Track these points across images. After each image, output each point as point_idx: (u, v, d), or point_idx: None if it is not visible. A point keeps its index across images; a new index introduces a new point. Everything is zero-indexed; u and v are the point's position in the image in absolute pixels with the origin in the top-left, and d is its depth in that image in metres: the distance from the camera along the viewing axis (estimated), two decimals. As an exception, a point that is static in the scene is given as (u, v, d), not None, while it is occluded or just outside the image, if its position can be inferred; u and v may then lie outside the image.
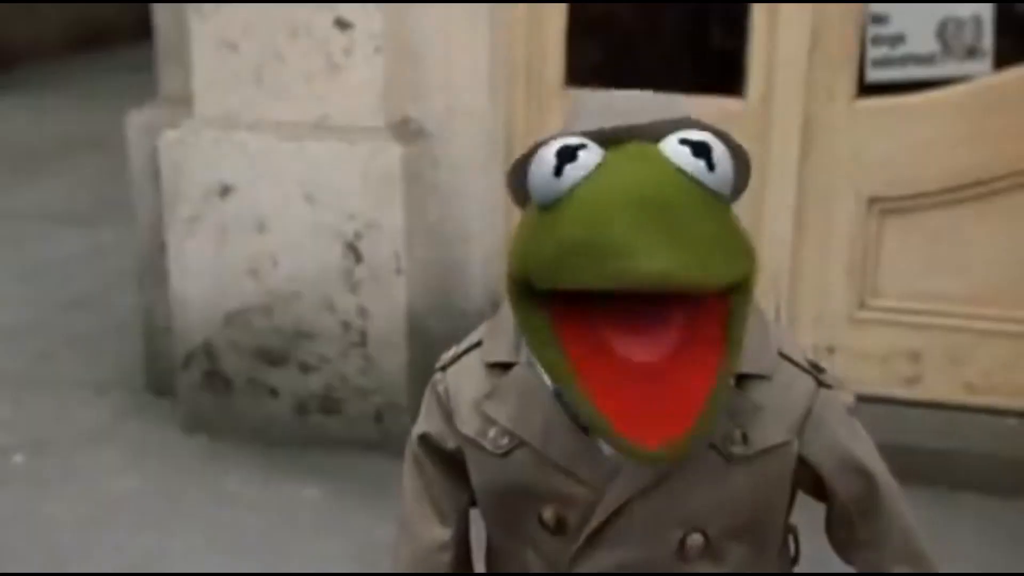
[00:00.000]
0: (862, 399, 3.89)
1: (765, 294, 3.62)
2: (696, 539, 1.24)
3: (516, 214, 3.82)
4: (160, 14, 3.82)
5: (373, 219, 3.40)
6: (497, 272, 3.69)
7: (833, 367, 3.66)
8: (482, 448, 1.29)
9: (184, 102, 3.56)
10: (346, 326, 3.48)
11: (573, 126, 1.15)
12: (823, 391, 1.29)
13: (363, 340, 3.48)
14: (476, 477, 1.33)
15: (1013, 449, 3.44)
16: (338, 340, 3.49)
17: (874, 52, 3.46)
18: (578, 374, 1.08)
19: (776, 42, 3.45)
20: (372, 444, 3.42)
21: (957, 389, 3.60)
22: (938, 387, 3.61)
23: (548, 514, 1.26)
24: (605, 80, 3.87)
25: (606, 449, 1.22)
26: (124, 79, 6.69)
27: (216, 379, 3.63)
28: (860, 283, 3.60)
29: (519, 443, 1.25)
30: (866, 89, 3.48)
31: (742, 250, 1.10)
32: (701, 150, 1.09)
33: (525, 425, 1.25)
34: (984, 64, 3.43)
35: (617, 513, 1.23)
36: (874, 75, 3.48)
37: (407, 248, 3.42)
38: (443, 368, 1.38)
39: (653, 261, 1.00)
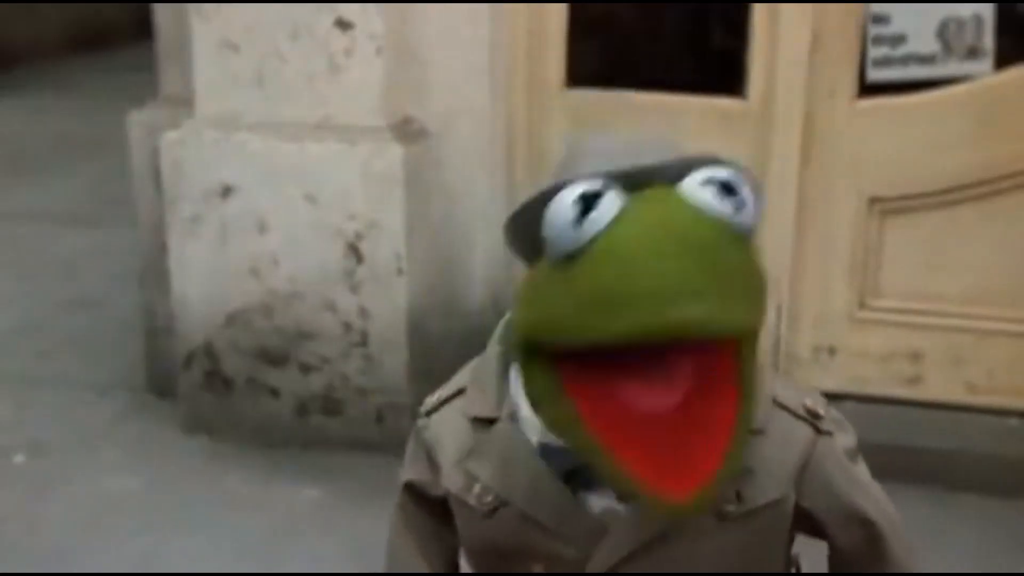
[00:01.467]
0: (863, 399, 3.91)
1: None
2: None
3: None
4: (161, 14, 3.82)
5: (374, 219, 3.40)
6: (499, 272, 3.69)
7: (834, 367, 3.66)
8: (467, 505, 1.26)
9: (185, 102, 3.56)
10: (347, 326, 3.47)
11: (572, 171, 1.08)
12: (822, 439, 1.25)
13: (364, 340, 3.48)
14: (462, 530, 1.30)
15: (1014, 449, 3.43)
16: (339, 340, 3.49)
17: (875, 52, 3.46)
18: (596, 434, 1.03)
19: (777, 42, 3.45)
20: (373, 444, 3.41)
21: (958, 389, 3.60)
22: (939, 387, 3.61)
23: (538, 569, 1.24)
24: (606, 80, 3.89)
25: (594, 507, 1.19)
26: (124, 79, 6.69)
27: (217, 379, 3.62)
28: (861, 283, 3.60)
29: (503, 502, 1.22)
30: (867, 89, 3.48)
31: (762, 289, 1.06)
32: (726, 190, 1.02)
33: (509, 484, 1.21)
34: (985, 64, 3.43)
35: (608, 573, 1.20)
36: (875, 75, 3.47)
37: (408, 248, 3.42)
38: (428, 413, 1.32)
39: (688, 309, 0.96)
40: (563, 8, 3.57)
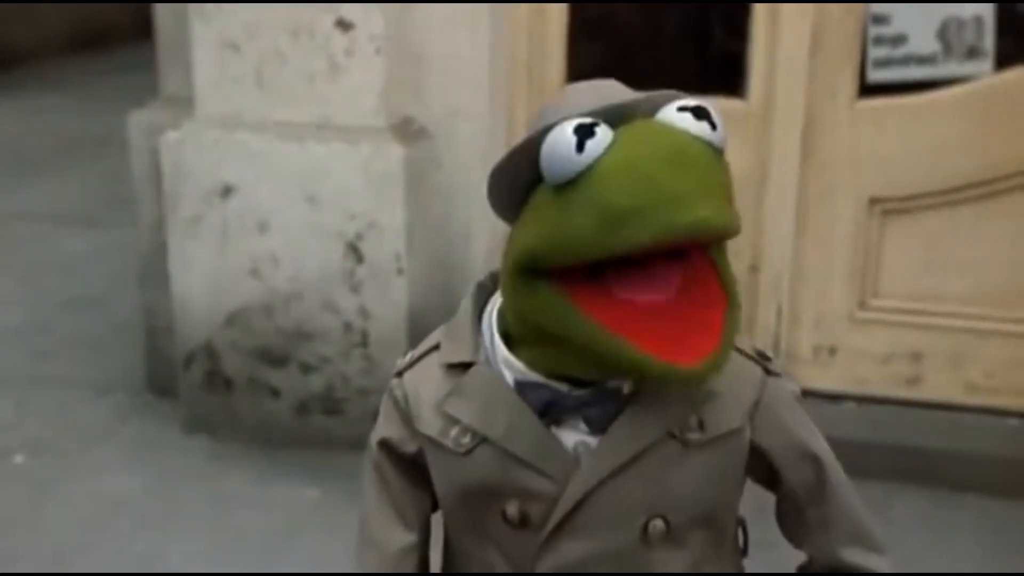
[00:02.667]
0: (863, 399, 3.91)
1: (766, 294, 3.62)
2: (658, 525, 1.27)
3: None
4: (161, 14, 3.82)
5: (374, 219, 3.40)
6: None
7: (835, 367, 3.66)
8: (444, 448, 1.30)
9: (186, 102, 3.56)
10: (347, 326, 3.48)
11: (552, 119, 1.19)
12: (771, 379, 1.33)
13: (364, 340, 3.48)
14: (438, 478, 1.34)
15: (1014, 449, 3.44)
16: (339, 340, 3.49)
17: (875, 52, 3.46)
18: (605, 326, 1.12)
19: (777, 43, 3.45)
20: (373, 444, 3.42)
21: (958, 389, 3.60)
22: (939, 387, 3.61)
23: (512, 510, 1.28)
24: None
25: (567, 441, 1.26)
26: (124, 79, 6.70)
27: (217, 379, 3.63)
28: (861, 283, 3.60)
29: (481, 440, 1.28)
30: (867, 89, 3.48)
31: (734, 199, 1.17)
32: (701, 113, 1.14)
33: (487, 422, 1.27)
34: (985, 64, 3.43)
35: (580, 504, 1.26)
36: (875, 75, 3.48)
37: (408, 248, 3.42)
38: (399, 374, 1.39)
39: (696, 211, 1.07)
40: (563, 8, 3.58)
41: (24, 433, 3.75)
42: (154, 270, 3.79)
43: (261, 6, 3.36)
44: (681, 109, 1.15)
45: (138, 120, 3.83)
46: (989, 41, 3.42)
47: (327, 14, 3.34)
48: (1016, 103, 3.40)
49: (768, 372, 1.32)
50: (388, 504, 1.39)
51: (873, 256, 3.59)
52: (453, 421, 1.29)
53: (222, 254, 3.51)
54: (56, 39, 10.33)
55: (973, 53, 3.42)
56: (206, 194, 3.49)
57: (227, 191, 3.47)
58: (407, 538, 1.39)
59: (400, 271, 3.42)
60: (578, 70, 3.64)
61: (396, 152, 3.37)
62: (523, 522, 1.28)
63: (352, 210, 3.41)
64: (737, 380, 1.29)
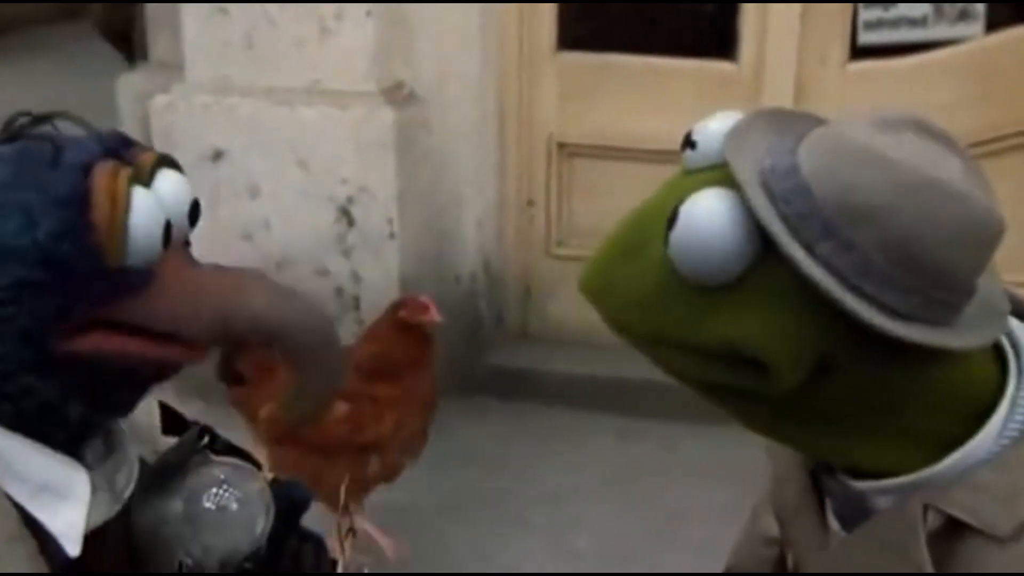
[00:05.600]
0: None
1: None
2: None
3: (508, 178, 3.78)
4: (150, -22, 3.80)
5: (365, 184, 3.40)
6: (489, 236, 3.69)
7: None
8: None
9: (175, 67, 3.55)
10: (339, 291, 3.48)
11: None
12: None
13: (356, 305, 3.48)
14: None
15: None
16: (331, 305, 3.49)
17: (866, 14, 3.45)
18: None
19: (768, 6, 3.44)
20: (365, 408, 3.42)
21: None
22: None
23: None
24: (598, 44, 3.86)
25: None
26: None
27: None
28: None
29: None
30: (858, 52, 3.48)
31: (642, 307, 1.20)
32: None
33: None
34: (976, 27, 3.43)
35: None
36: (866, 38, 3.47)
37: (400, 213, 3.42)
38: None
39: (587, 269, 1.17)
40: (554, -29, 3.57)
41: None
42: (145, 235, 3.78)
43: (250, -30, 3.34)
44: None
45: (127, 85, 3.81)
46: (979, 3, 3.41)
47: (317, -22, 3.32)
48: (1007, 65, 3.40)
49: None
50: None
51: (864, 219, 3.59)
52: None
53: (213, 219, 3.49)
54: (45, 5, 10.26)
55: (964, 15, 3.42)
56: (196, 159, 3.48)
57: (218, 156, 3.46)
58: (772, 528, 1.35)
59: (391, 235, 3.42)
60: (569, 34, 3.63)
61: (387, 116, 3.37)
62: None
63: (343, 175, 3.40)
64: None
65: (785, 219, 1.02)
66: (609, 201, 3.76)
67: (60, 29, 10.08)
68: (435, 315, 2.66)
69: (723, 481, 3.09)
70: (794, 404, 1.09)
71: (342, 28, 3.34)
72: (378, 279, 3.47)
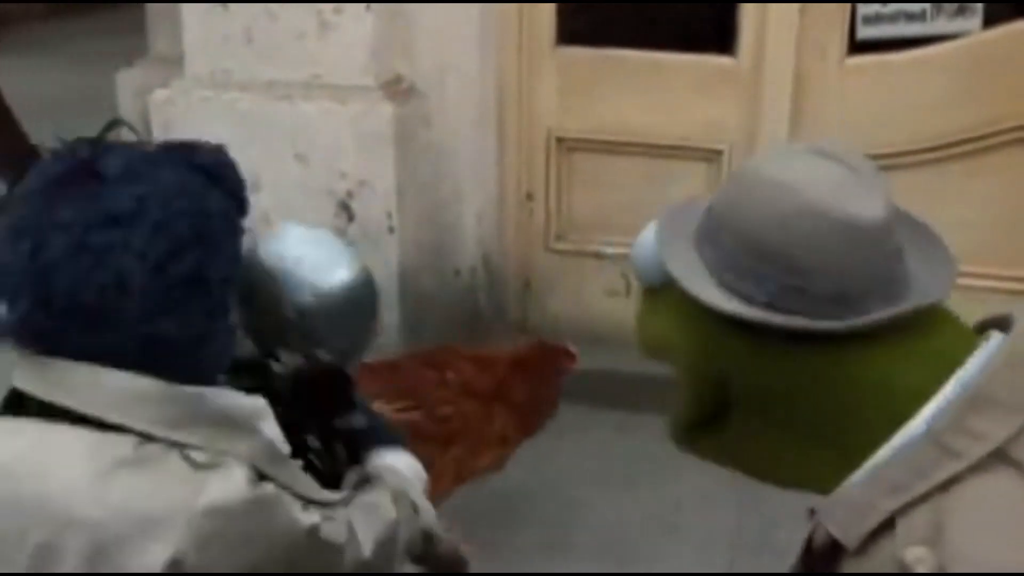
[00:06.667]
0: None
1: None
2: None
3: (508, 172, 3.79)
4: (150, -27, 3.81)
5: (365, 178, 3.40)
6: (489, 230, 3.69)
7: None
8: None
9: (175, 62, 3.55)
10: (338, 285, 3.48)
11: None
12: None
13: (355, 299, 3.49)
14: None
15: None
16: (330, 299, 3.49)
17: (865, 9, 3.46)
18: None
19: (768, 1, 3.44)
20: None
21: (946, 346, 3.62)
22: (927, 344, 3.62)
23: None
24: (597, 38, 3.86)
25: None
26: (114, 41, 6.65)
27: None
28: (850, 241, 3.61)
29: None
30: (857, 47, 3.48)
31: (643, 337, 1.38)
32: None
33: None
34: (974, 21, 3.43)
35: None
36: (865, 32, 3.47)
37: (399, 207, 3.42)
38: None
39: None
40: (553, -34, 3.57)
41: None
42: (145, 230, 3.78)
43: (250, -36, 3.35)
44: None
45: (126, 79, 3.82)
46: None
47: (316, -28, 3.32)
48: (1005, 59, 3.40)
49: None
50: None
51: (862, 213, 3.60)
52: None
53: (213, 213, 3.51)
54: (42, 1, 10.26)
55: (962, 10, 3.42)
56: (196, 153, 3.48)
57: (217, 150, 3.46)
58: None
59: (391, 229, 3.43)
60: (569, 27, 3.63)
61: (386, 110, 3.37)
62: None
63: (342, 169, 3.41)
64: None
65: (686, 237, 1.23)
66: (608, 195, 3.78)
67: (60, 24, 10.08)
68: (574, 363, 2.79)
69: (723, 474, 3.09)
70: (730, 427, 1.22)
71: (341, 22, 3.35)
72: (377, 273, 3.43)
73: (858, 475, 1.14)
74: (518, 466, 3.34)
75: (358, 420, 1.62)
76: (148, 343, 1.24)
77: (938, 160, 3.48)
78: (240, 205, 1.37)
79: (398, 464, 1.64)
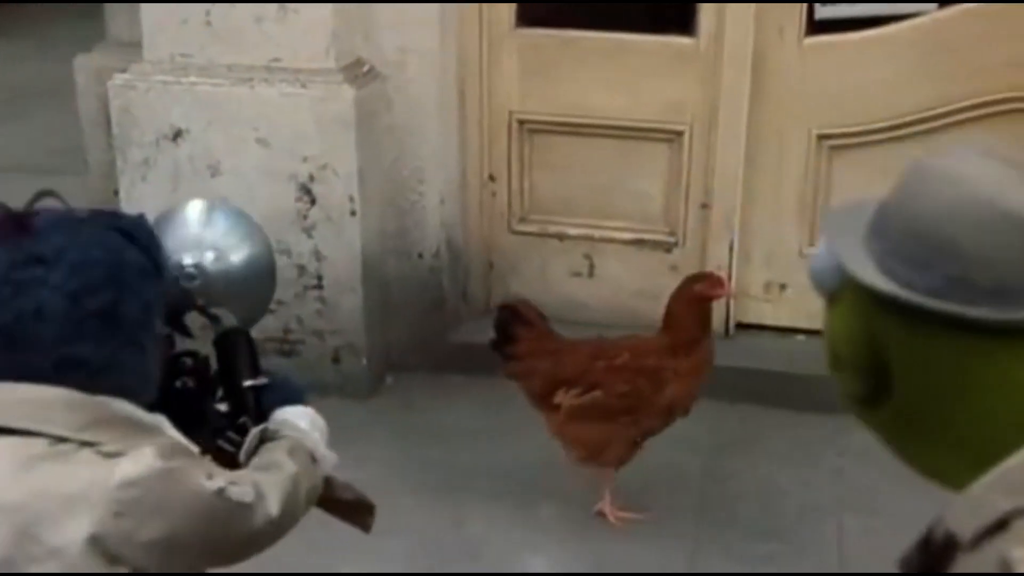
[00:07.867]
0: (814, 334, 3.93)
1: (718, 231, 3.65)
2: None
3: (470, 154, 3.80)
4: (107, -43, 3.78)
5: (326, 161, 3.40)
6: (452, 213, 3.69)
7: (786, 303, 3.69)
8: None
9: (133, 46, 3.53)
10: (301, 269, 3.48)
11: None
12: None
13: (319, 282, 3.49)
14: None
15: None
16: (294, 283, 3.49)
17: (823, -12, 3.48)
18: None
19: (726, -20, 3.46)
20: (330, 386, 3.41)
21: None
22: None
23: None
24: (556, 20, 3.86)
25: None
26: (75, 25, 6.60)
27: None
28: (811, 220, 3.64)
29: None
30: (815, 27, 3.51)
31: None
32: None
33: None
34: (930, 1, 3.46)
35: None
36: (823, 12, 3.50)
37: (361, 190, 3.42)
38: None
39: None
40: (513, -53, 3.57)
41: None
42: (106, 215, 3.76)
43: (208, -53, 3.33)
44: None
45: (85, 64, 3.79)
46: (934, -22, 3.45)
47: (275, -45, 3.31)
48: (961, 38, 3.43)
49: None
50: None
51: (823, 192, 3.62)
52: None
53: (174, 198, 3.49)
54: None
55: (919, -11, 3.45)
56: (156, 138, 3.47)
57: (177, 135, 3.45)
58: None
59: (353, 213, 3.43)
60: (528, 10, 3.64)
61: (347, 94, 3.37)
62: None
63: (304, 152, 3.40)
64: None
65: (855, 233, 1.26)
66: (570, 176, 3.79)
67: (17, 10, 9.97)
68: (729, 290, 3.13)
69: (693, 448, 3.13)
70: (887, 411, 1.23)
71: (301, 6, 3.34)
72: (340, 256, 3.47)
73: (988, 476, 1.16)
74: (482, 444, 3.36)
75: (262, 379, 1.75)
76: (63, 363, 1.39)
77: (896, 138, 3.51)
78: (155, 264, 1.50)
79: (298, 418, 1.74)
